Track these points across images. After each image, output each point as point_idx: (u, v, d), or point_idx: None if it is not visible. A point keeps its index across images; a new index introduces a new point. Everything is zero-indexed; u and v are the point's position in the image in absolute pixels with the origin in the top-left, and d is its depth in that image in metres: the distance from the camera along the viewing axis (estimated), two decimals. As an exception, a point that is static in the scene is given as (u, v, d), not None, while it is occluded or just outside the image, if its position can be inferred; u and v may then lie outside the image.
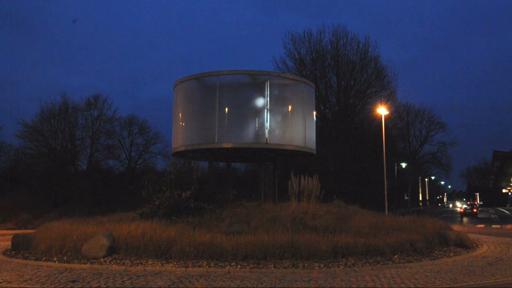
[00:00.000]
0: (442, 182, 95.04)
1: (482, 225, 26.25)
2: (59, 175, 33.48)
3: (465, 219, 35.92)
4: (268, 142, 15.76)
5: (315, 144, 18.57)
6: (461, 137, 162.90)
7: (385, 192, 28.14)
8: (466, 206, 48.23)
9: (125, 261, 9.67)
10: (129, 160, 44.95)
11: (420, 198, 62.86)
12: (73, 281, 7.82)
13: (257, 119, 15.96)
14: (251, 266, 9.15)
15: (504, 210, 58.71)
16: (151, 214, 12.81)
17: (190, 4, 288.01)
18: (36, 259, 10.36)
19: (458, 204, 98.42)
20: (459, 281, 7.91)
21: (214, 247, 9.75)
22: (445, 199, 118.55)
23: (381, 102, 36.82)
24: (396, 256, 10.18)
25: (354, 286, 7.46)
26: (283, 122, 16.33)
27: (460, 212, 45.96)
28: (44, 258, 10.42)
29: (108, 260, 9.77)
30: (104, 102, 39.36)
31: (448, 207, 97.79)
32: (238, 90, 16.21)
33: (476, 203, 66.09)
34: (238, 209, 13.64)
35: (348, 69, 40.85)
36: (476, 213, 43.17)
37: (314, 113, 18.48)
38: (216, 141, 15.68)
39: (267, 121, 15.84)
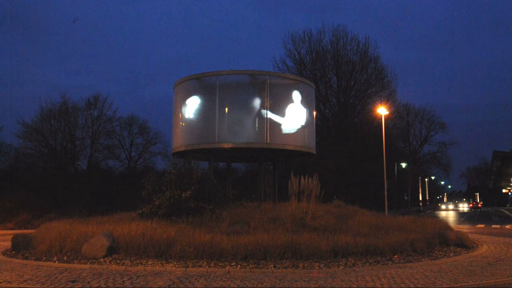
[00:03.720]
0: (442, 182, 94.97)
1: (482, 225, 26.25)
2: (59, 175, 33.46)
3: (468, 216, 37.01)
4: (268, 142, 15.77)
5: (315, 144, 18.59)
6: (461, 137, 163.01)
7: (385, 192, 28.14)
8: (474, 204, 75.81)
9: (125, 261, 9.67)
10: (129, 160, 44.96)
11: (420, 198, 62.82)
12: (73, 281, 7.82)
13: (257, 119, 15.97)
14: (251, 266, 9.15)
15: (504, 210, 58.70)
16: (151, 214, 12.81)
17: (190, 4, 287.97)
18: (36, 259, 10.35)
19: (460, 205, 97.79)
20: (459, 281, 7.91)
21: (214, 247, 9.75)
22: (445, 199, 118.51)
23: (381, 102, 36.83)
24: (396, 256, 10.18)
25: (354, 286, 7.46)
26: (283, 122, 16.34)
27: (470, 207, 72.50)
28: (44, 258, 10.41)
29: (108, 260, 9.76)
30: (104, 102, 39.37)
31: (447, 208, 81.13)
32: (238, 90, 16.23)
33: (480, 203, 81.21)
34: (238, 209, 13.64)
35: (348, 69, 40.87)
36: (480, 207, 67.50)
37: (314, 113, 18.49)
38: (216, 141, 15.70)
39: (267, 121, 15.85)
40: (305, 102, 17.16)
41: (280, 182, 20.51)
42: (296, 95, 17.01)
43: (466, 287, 7.53)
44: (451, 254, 10.99)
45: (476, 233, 18.28)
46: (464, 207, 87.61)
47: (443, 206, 76.11)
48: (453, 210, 70.40)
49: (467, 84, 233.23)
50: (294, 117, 16.75)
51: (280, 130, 16.24)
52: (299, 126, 16.86)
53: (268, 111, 15.97)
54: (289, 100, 16.79)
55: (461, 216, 43.12)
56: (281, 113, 16.38)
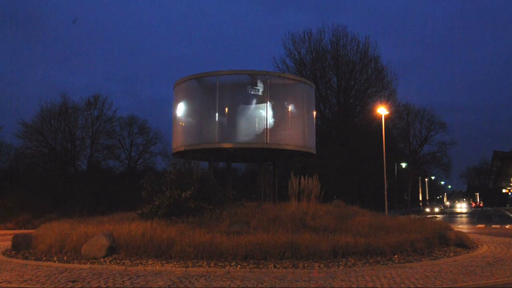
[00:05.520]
0: (442, 182, 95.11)
1: (482, 225, 26.25)
2: (59, 175, 33.48)
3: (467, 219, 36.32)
4: (268, 142, 15.76)
5: (315, 144, 18.57)
6: (461, 137, 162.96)
7: (385, 192, 28.15)
8: (476, 203, 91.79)
9: (125, 261, 9.67)
10: (129, 160, 44.98)
11: (420, 198, 62.79)
12: (73, 281, 7.82)
13: (257, 119, 15.96)
14: (251, 266, 9.15)
15: (504, 210, 58.66)
16: (151, 214, 12.80)
17: (190, 4, 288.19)
18: (36, 259, 10.35)
19: (458, 205, 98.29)
20: (459, 281, 7.91)
21: (214, 247, 9.75)
22: (445, 199, 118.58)
23: (381, 102, 36.86)
24: (396, 256, 10.17)
25: (354, 286, 7.45)
26: (283, 122, 16.32)
27: (472, 206, 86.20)
28: (44, 258, 10.41)
29: (108, 260, 9.76)
30: (104, 102, 39.41)
31: (432, 210, 54.79)
32: (238, 90, 16.22)
33: (481, 203, 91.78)
34: (238, 209, 13.63)
35: (348, 69, 40.88)
36: (482, 206, 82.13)
37: (314, 113, 18.47)
38: (216, 141, 15.69)
39: (267, 121, 15.84)
40: (305, 102, 17.07)
41: (280, 182, 20.51)
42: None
43: (466, 287, 7.53)
44: (451, 254, 10.98)
45: (476, 233, 18.28)
46: (462, 207, 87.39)
47: (427, 209, 52.94)
48: (442, 213, 51.66)
49: (467, 84, 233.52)
50: (294, 117, 16.58)
51: (280, 130, 16.17)
52: (299, 126, 16.66)
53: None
54: (290, 100, 16.65)
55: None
56: (281, 113, 16.31)
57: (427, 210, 52.15)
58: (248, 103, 16.11)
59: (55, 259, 10.22)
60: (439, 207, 63.88)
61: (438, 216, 39.65)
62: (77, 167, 37.78)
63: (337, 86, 41.80)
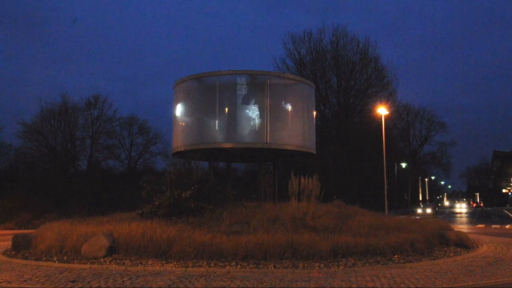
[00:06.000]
0: (442, 182, 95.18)
1: (482, 225, 26.25)
2: (59, 175, 33.49)
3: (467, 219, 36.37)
4: (268, 142, 15.75)
5: (315, 144, 18.56)
6: (461, 137, 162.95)
7: (385, 192, 28.16)
8: (475, 203, 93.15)
9: (125, 261, 9.67)
10: (129, 160, 44.94)
11: (420, 198, 62.80)
12: (73, 281, 7.82)
13: (257, 119, 15.97)
14: (251, 266, 9.15)
15: (504, 210, 58.67)
16: (151, 214, 12.80)
17: (190, 4, 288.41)
18: (36, 259, 10.36)
19: (457, 205, 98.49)
20: (459, 281, 7.91)
21: (214, 247, 9.75)
22: (445, 199, 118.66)
23: (381, 102, 36.88)
24: (396, 256, 10.17)
25: (354, 286, 7.45)
26: (283, 122, 16.31)
27: (472, 206, 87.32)
28: (44, 258, 10.41)
29: (108, 260, 9.77)
30: (104, 102, 39.36)
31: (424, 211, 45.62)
32: (238, 90, 16.22)
33: (482, 202, 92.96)
34: (238, 209, 13.63)
35: (348, 69, 40.90)
36: (482, 206, 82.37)
37: (314, 113, 18.47)
38: (216, 141, 15.70)
39: (267, 121, 15.83)
40: (305, 102, 17.07)
41: (280, 182, 20.50)
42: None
43: (466, 287, 7.53)
44: (451, 254, 10.99)
45: (476, 233, 18.28)
46: (462, 207, 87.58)
47: (419, 210, 45.21)
48: (437, 214, 46.96)
49: (467, 84, 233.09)
50: (294, 117, 16.61)
51: (280, 130, 16.16)
52: (299, 126, 16.67)
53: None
54: (290, 100, 16.64)
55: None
56: (281, 113, 16.30)
57: (419, 211, 43.92)
58: (248, 103, 16.11)
59: (55, 259, 10.22)
60: (434, 207, 55.70)
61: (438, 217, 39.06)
62: (77, 167, 37.78)
63: (337, 86, 41.83)
